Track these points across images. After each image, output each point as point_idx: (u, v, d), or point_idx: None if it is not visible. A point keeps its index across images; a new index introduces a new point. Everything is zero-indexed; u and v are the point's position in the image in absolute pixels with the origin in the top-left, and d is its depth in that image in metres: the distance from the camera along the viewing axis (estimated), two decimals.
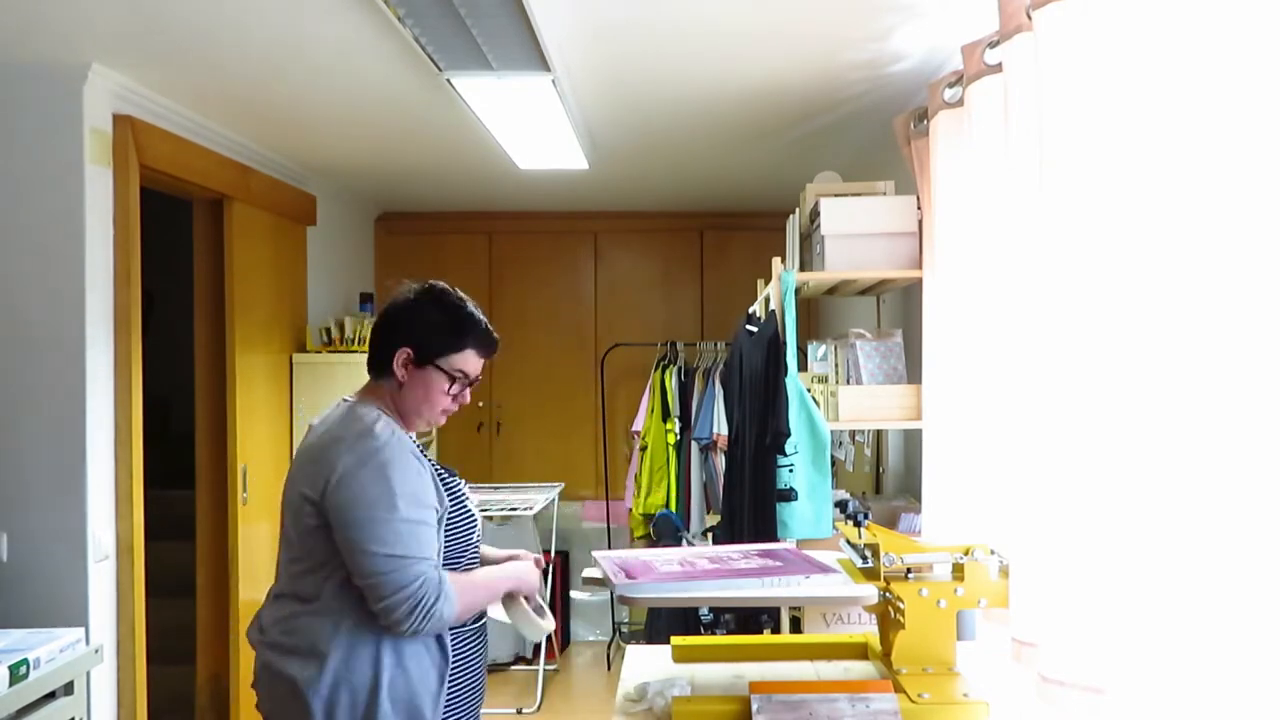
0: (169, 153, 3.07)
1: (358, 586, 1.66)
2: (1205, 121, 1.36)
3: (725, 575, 1.81)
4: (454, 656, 1.75)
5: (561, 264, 5.44)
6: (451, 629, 1.74)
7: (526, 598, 1.89)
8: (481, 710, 1.88)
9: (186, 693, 3.68)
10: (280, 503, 1.81)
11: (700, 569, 1.86)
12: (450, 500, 1.76)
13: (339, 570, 1.68)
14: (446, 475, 1.81)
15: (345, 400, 1.82)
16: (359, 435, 1.67)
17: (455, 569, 1.77)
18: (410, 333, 1.76)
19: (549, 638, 4.60)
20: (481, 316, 1.83)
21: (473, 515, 1.83)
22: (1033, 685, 1.69)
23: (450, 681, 1.74)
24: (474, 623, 1.83)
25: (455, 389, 1.80)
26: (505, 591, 1.83)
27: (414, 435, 1.82)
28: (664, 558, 1.95)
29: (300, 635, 1.70)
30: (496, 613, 1.90)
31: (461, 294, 1.85)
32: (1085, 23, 1.53)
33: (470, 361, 1.80)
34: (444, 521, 1.73)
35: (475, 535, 1.84)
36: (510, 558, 1.95)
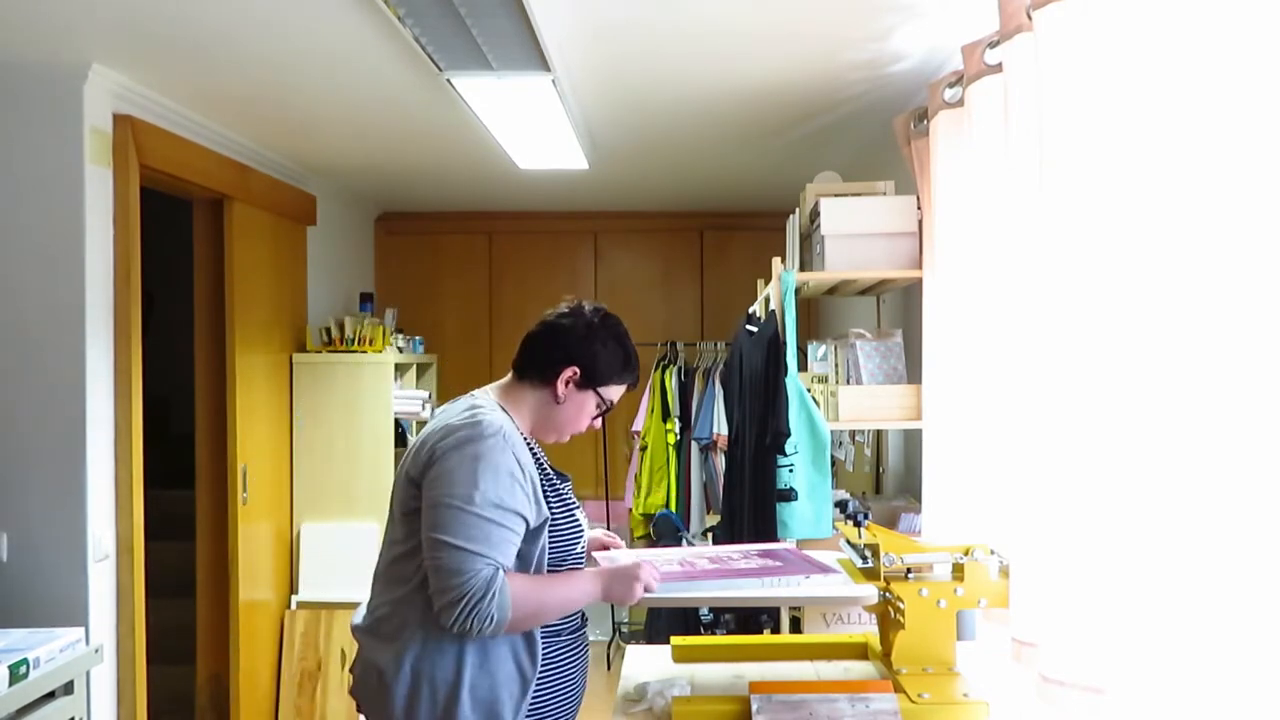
0: (169, 153, 3.07)
1: None
2: (1205, 121, 1.36)
3: (725, 575, 1.81)
4: (544, 663, 1.72)
5: (561, 264, 5.44)
6: (545, 634, 1.72)
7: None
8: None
9: (186, 693, 3.69)
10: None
11: (700, 569, 1.86)
12: (556, 506, 1.75)
13: None
14: (558, 481, 1.80)
15: (474, 394, 1.83)
16: (465, 424, 1.67)
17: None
18: (584, 356, 1.79)
19: None
20: (637, 351, 1.88)
21: (578, 523, 1.82)
22: (1033, 685, 1.69)
23: (538, 689, 1.70)
24: (571, 632, 1.79)
25: (598, 415, 1.86)
26: (585, 603, 1.75)
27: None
28: (664, 558, 1.95)
29: (389, 622, 1.70)
30: None
31: (624, 326, 1.89)
32: (1085, 23, 1.53)
33: (619, 394, 1.87)
34: (546, 528, 1.71)
35: (579, 545, 1.82)
36: (602, 545, 1.97)
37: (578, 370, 1.78)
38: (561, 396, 1.79)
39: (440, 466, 1.64)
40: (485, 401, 1.77)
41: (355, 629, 1.79)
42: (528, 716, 1.69)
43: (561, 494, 1.80)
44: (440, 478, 1.63)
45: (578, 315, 1.83)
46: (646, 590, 1.73)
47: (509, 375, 1.86)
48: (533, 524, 1.68)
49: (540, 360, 1.81)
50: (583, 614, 1.85)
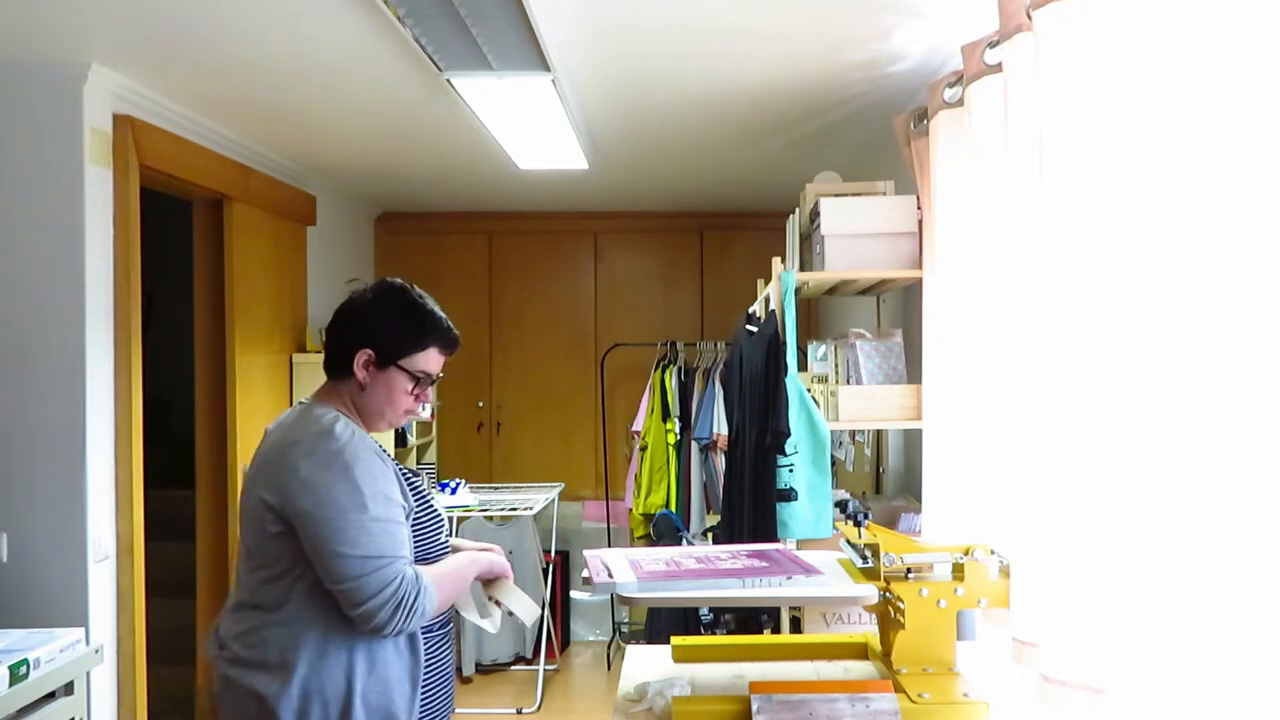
0: (169, 153, 3.07)
1: (326, 592, 1.60)
2: (1205, 121, 1.36)
3: (709, 575, 1.81)
4: (426, 658, 1.71)
5: (561, 264, 5.44)
6: (423, 631, 1.71)
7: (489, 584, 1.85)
8: (452, 714, 1.85)
9: (186, 693, 3.68)
10: (239, 511, 1.75)
11: (685, 569, 1.86)
12: (415, 499, 1.72)
13: (304, 576, 1.62)
14: (410, 475, 1.77)
15: (302, 403, 1.76)
16: (317, 436, 1.62)
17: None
18: (371, 334, 1.71)
19: (549, 637, 4.61)
20: (441, 314, 1.79)
21: (439, 514, 1.81)
22: (1033, 685, 1.69)
23: (423, 685, 1.70)
24: (441, 626, 1.79)
25: (417, 389, 1.76)
26: (476, 577, 1.80)
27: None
28: (651, 557, 1.96)
29: (265, 647, 1.63)
30: (469, 614, 1.86)
31: (420, 291, 1.80)
32: (1085, 23, 1.53)
33: (432, 360, 1.77)
34: (411, 520, 1.69)
35: (444, 534, 1.81)
36: (483, 549, 1.91)
37: (370, 351, 1.71)
38: (364, 381, 1.72)
39: (314, 485, 1.57)
40: (321, 410, 1.70)
41: (220, 659, 1.68)
42: (421, 715, 1.69)
43: (416, 486, 1.76)
44: (320, 496, 1.57)
45: (357, 296, 1.76)
46: (505, 566, 1.83)
47: (325, 381, 1.79)
48: (408, 513, 1.68)
49: (336, 352, 1.74)
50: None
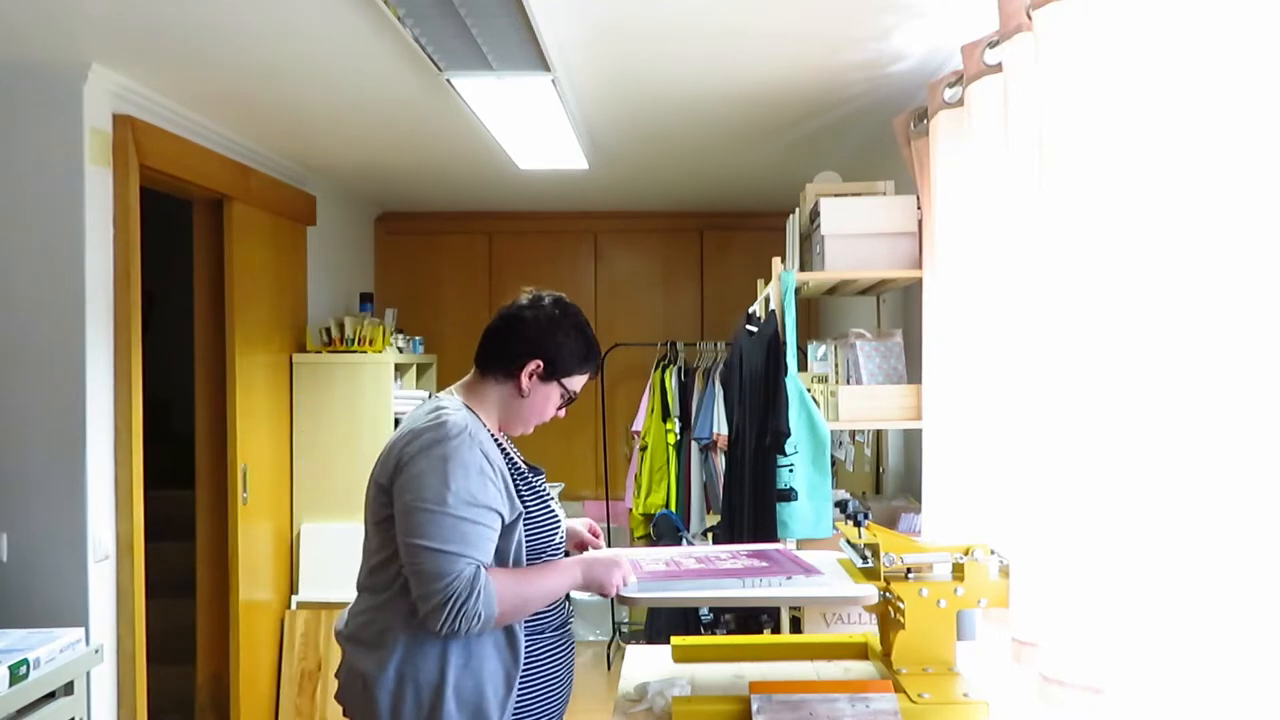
0: (169, 153, 3.07)
1: None
2: (1205, 121, 1.36)
3: (709, 575, 1.81)
4: (528, 659, 1.72)
5: (561, 264, 5.44)
6: (529, 632, 1.72)
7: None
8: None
9: (186, 693, 3.68)
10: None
11: (685, 569, 1.86)
12: (531, 500, 1.75)
13: None
14: (530, 475, 1.81)
15: (438, 394, 1.84)
16: (430, 426, 1.67)
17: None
18: (547, 347, 1.78)
19: None
20: (597, 339, 1.88)
21: (555, 515, 1.82)
22: (1033, 685, 1.69)
23: (523, 686, 1.70)
24: (555, 629, 1.79)
25: (562, 405, 1.86)
26: (566, 591, 1.75)
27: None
28: (651, 557, 1.96)
29: (371, 628, 1.70)
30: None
31: (583, 315, 1.88)
32: (1085, 23, 1.53)
33: (582, 383, 1.86)
34: (522, 521, 1.71)
35: (558, 536, 1.82)
36: (580, 544, 1.96)
37: (540, 363, 1.78)
38: (526, 390, 1.79)
39: (409, 471, 1.63)
40: (449, 402, 1.76)
41: (338, 635, 1.79)
42: (514, 715, 1.69)
43: (535, 487, 1.80)
44: (410, 482, 1.63)
45: (538, 307, 1.82)
46: (624, 581, 1.75)
47: (472, 372, 1.85)
48: (507, 519, 1.68)
49: (503, 354, 1.80)
50: (567, 610, 1.85)
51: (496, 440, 1.77)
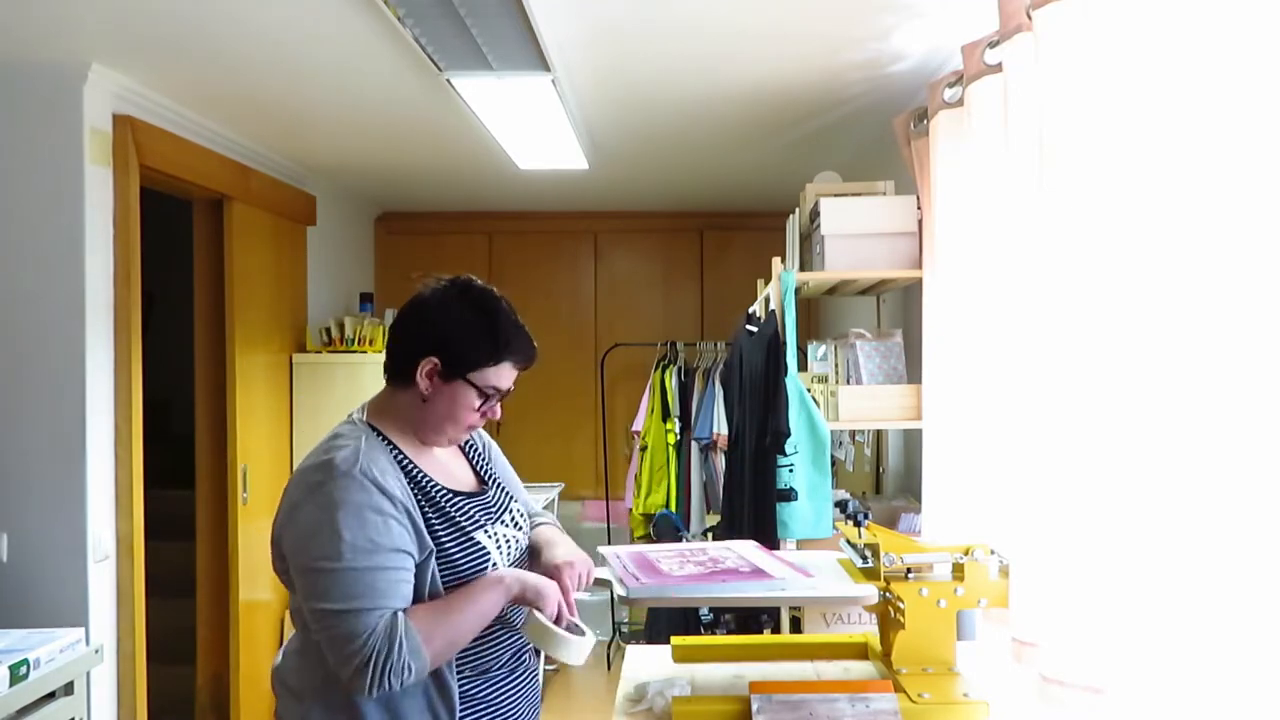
0: (169, 153, 3.07)
1: None
2: (1205, 121, 1.36)
3: (710, 578, 1.80)
4: (474, 707, 1.51)
5: (561, 264, 5.44)
6: (468, 675, 1.52)
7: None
8: None
9: (186, 693, 3.68)
10: None
11: (688, 574, 1.84)
12: (446, 532, 1.51)
13: None
14: (454, 500, 1.56)
15: (350, 414, 1.61)
16: (314, 466, 1.46)
17: None
18: (440, 341, 1.52)
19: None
20: (520, 323, 1.59)
21: (475, 545, 1.54)
22: (1033, 685, 1.69)
23: None
24: (501, 666, 1.57)
25: (485, 405, 1.57)
26: (499, 608, 1.50)
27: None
28: (666, 553, 1.95)
29: (293, 675, 1.54)
30: (547, 648, 1.53)
31: (497, 293, 1.60)
32: (1085, 23, 1.53)
33: (505, 375, 1.57)
34: (434, 559, 1.48)
35: (484, 565, 1.54)
36: (554, 568, 1.61)
37: (436, 361, 1.51)
38: (426, 392, 1.53)
39: (294, 526, 1.44)
40: (347, 429, 1.54)
41: (273, 674, 1.61)
42: None
43: (449, 514, 1.53)
44: (300, 540, 1.43)
45: (427, 295, 1.57)
46: (561, 603, 1.52)
47: (384, 386, 1.62)
48: (417, 559, 1.46)
49: (397, 357, 1.56)
50: (516, 641, 1.62)
51: (406, 465, 1.53)
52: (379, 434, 1.54)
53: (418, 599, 1.46)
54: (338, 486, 1.42)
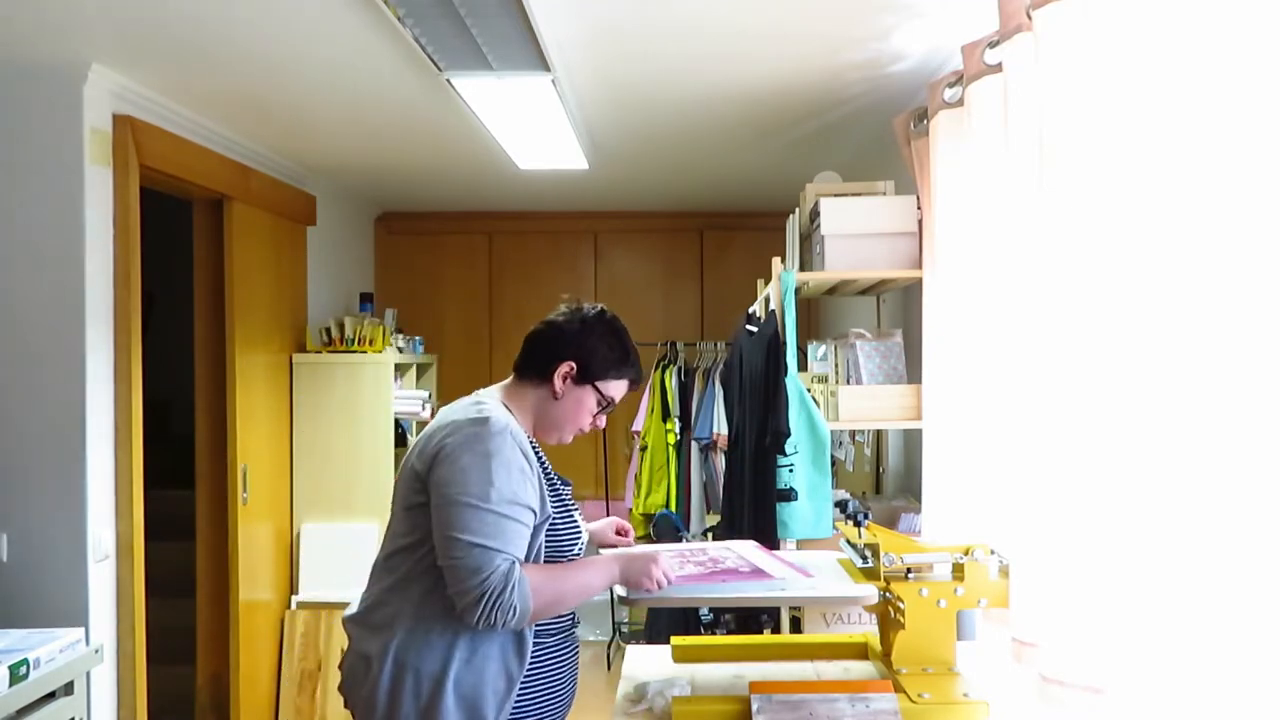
0: (169, 153, 3.07)
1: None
2: (1205, 121, 1.36)
3: (711, 578, 1.81)
4: (532, 661, 1.71)
5: (561, 264, 5.44)
6: (536, 630, 1.71)
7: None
8: None
9: (186, 693, 3.68)
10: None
11: (693, 574, 1.84)
12: (556, 508, 1.74)
13: (433, 552, 1.66)
14: (560, 485, 1.80)
15: (477, 393, 1.84)
16: (472, 421, 1.67)
17: None
18: (580, 349, 1.79)
19: None
20: (638, 353, 1.88)
21: (576, 526, 1.80)
22: (1033, 685, 1.69)
23: (524, 688, 1.70)
24: (558, 633, 1.78)
25: (599, 413, 1.84)
26: (604, 589, 1.75)
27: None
28: (666, 553, 1.95)
29: (380, 611, 1.70)
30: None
31: (624, 326, 1.89)
32: (1085, 23, 1.53)
33: (620, 390, 1.85)
34: (545, 528, 1.70)
35: (576, 548, 1.80)
36: (612, 540, 1.98)
37: (574, 365, 1.78)
38: (559, 392, 1.79)
39: (451, 464, 1.63)
40: (490, 400, 1.77)
41: (346, 620, 1.79)
42: (513, 716, 1.68)
43: (562, 497, 1.79)
44: (453, 476, 1.62)
45: (575, 313, 1.84)
46: (664, 578, 1.73)
47: (510, 376, 1.87)
48: (537, 519, 1.68)
49: (538, 357, 1.81)
50: (574, 617, 1.84)
51: (531, 442, 1.76)
52: (510, 414, 1.76)
53: (525, 558, 1.67)
54: (494, 440, 1.64)
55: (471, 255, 5.37)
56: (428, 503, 1.66)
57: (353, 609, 1.79)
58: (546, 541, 1.71)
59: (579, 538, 1.81)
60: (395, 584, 1.71)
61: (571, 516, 1.79)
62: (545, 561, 1.71)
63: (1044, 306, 1.66)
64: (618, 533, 2.04)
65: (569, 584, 1.69)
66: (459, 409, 1.75)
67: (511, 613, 1.58)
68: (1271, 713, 1.30)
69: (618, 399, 1.85)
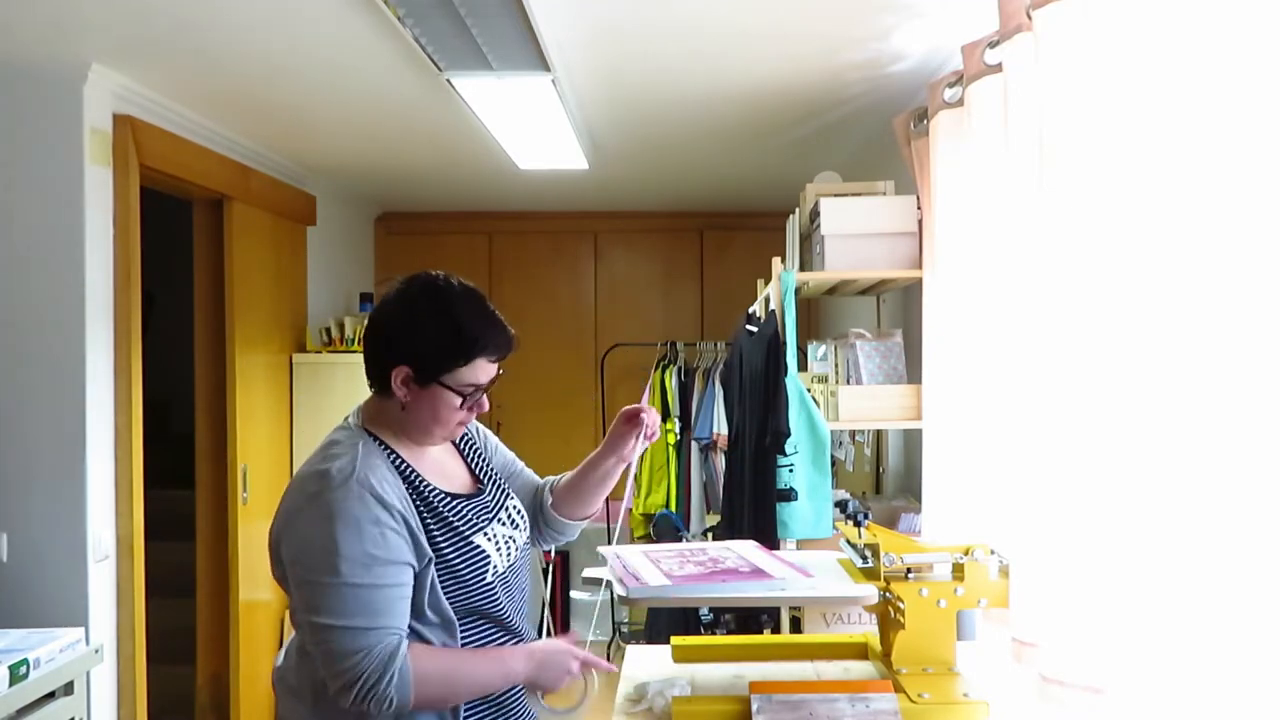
0: (169, 153, 3.07)
1: None
2: (1205, 121, 1.36)
3: (714, 577, 1.80)
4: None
5: (561, 264, 5.44)
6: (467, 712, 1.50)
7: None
8: None
9: (186, 693, 3.68)
10: None
11: (689, 574, 1.84)
12: (444, 537, 1.50)
13: None
14: (460, 503, 1.56)
15: (346, 417, 1.60)
16: (313, 477, 1.45)
17: (469, 623, 1.53)
18: (407, 348, 1.49)
19: (549, 637, 4.60)
20: (491, 310, 1.56)
21: (478, 551, 1.54)
22: (1033, 685, 1.69)
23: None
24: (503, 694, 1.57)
25: (467, 403, 1.53)
26: (503, 688, 1.53)
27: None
28: (666, 553, 1.95)
29: (298, 675, 1.54)
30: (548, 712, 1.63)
31: (464, 285, 1.58)
32: (1085, 23, 1.53)
33: (482, 371, 1.53)
34: (433, 566, 1.47)
35: (486, 575, 1.54)
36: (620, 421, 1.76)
37: (407, 369, 1.49)
38: (404, 400, 1.51)
39: (292, 535, 1.44)
40: (343, 435, 1.53)
41: (274, 674, 1.63)
42: None
43: (447, 518, 1.52)
44: (297, 551, 1.43)
45: (389, 300, 1.55)
46: (576, 672, 1.55)
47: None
48: (417, 569, 1.46)
49: (370, 368, 1.54)
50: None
51: (404, 470, 1.52)
52: (375, 439, 1.54)
53: (417, 607, 1.46)
54: (335, 498, 1.41)
55: (471, 255, 5.37)
56: (284, 574, 1.48)
57: (280, 658, 1.62)
58: (441, 579, 1.49)
59: (484, 562, 1.54)
60: (302, 646, 1.52)
61: (468, 542, 1.53)
62: (448, 598, 1.49)
63: (1044, 306, 1.66)
64: (627, 421, 1.83)
65: (464, 678, 1.46)
66: (310, 459, 1.52)
67: (388, 702, 1.38)
68: (1271, 713, 1.30)
69: (484, 380, 1.53)
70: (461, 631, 1.51)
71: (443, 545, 1.50)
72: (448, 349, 1.50)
